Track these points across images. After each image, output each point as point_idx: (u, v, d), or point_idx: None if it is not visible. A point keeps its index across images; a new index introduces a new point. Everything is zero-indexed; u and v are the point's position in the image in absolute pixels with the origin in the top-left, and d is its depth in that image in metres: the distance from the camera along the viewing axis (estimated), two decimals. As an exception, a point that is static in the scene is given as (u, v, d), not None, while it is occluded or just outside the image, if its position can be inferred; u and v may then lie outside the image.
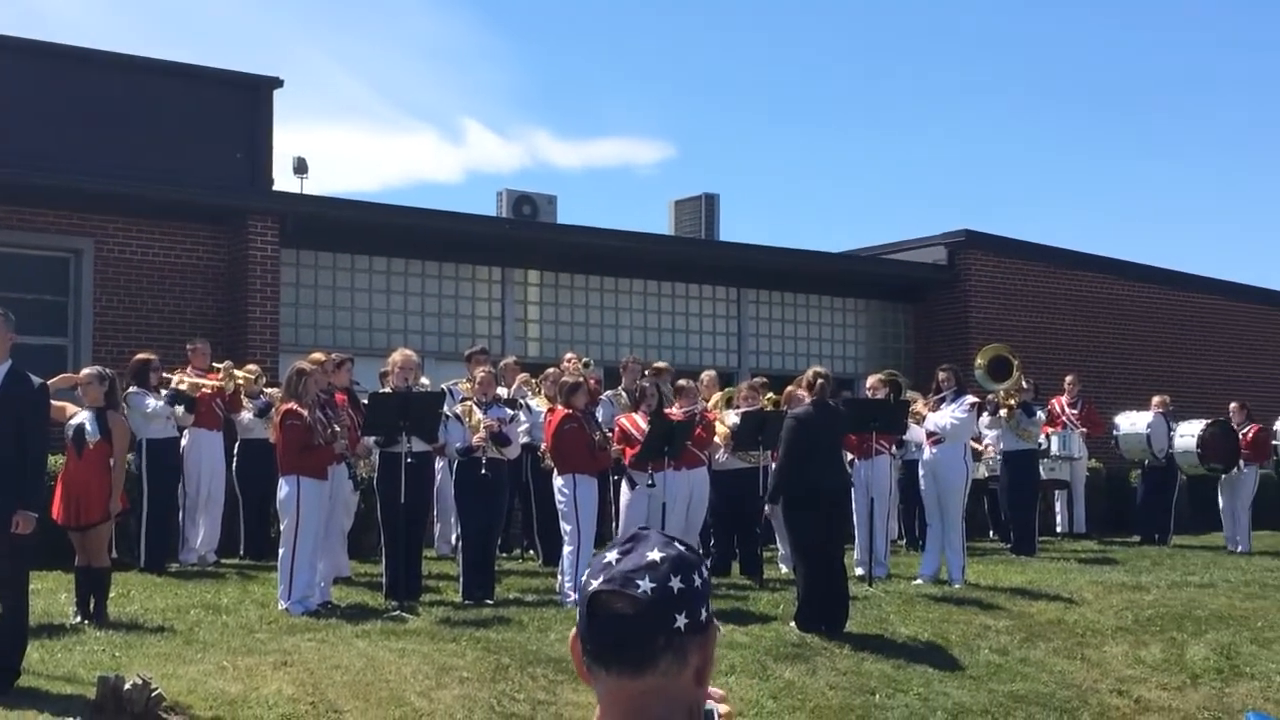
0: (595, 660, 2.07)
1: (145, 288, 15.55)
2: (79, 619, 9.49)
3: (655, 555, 2.06)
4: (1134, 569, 14.27)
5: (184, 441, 12.67)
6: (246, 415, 13.07)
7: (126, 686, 7.26)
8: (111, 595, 9.89)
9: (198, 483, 12.77)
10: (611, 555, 2.10)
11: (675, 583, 2.04)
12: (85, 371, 10.31)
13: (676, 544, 2.10)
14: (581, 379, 11.88)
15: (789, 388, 13.30)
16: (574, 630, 2.13)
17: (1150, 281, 23.15)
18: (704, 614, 2.07)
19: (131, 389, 11.97)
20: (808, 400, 10.96)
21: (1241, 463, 16.91)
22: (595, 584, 2.07)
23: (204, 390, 12.71)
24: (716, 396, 13.95)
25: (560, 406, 11.27)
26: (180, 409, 12.33)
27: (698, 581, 2.07)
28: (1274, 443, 16.87)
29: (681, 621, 2.04)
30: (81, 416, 9.78)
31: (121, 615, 9.73)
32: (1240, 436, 17.03)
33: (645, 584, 2.04)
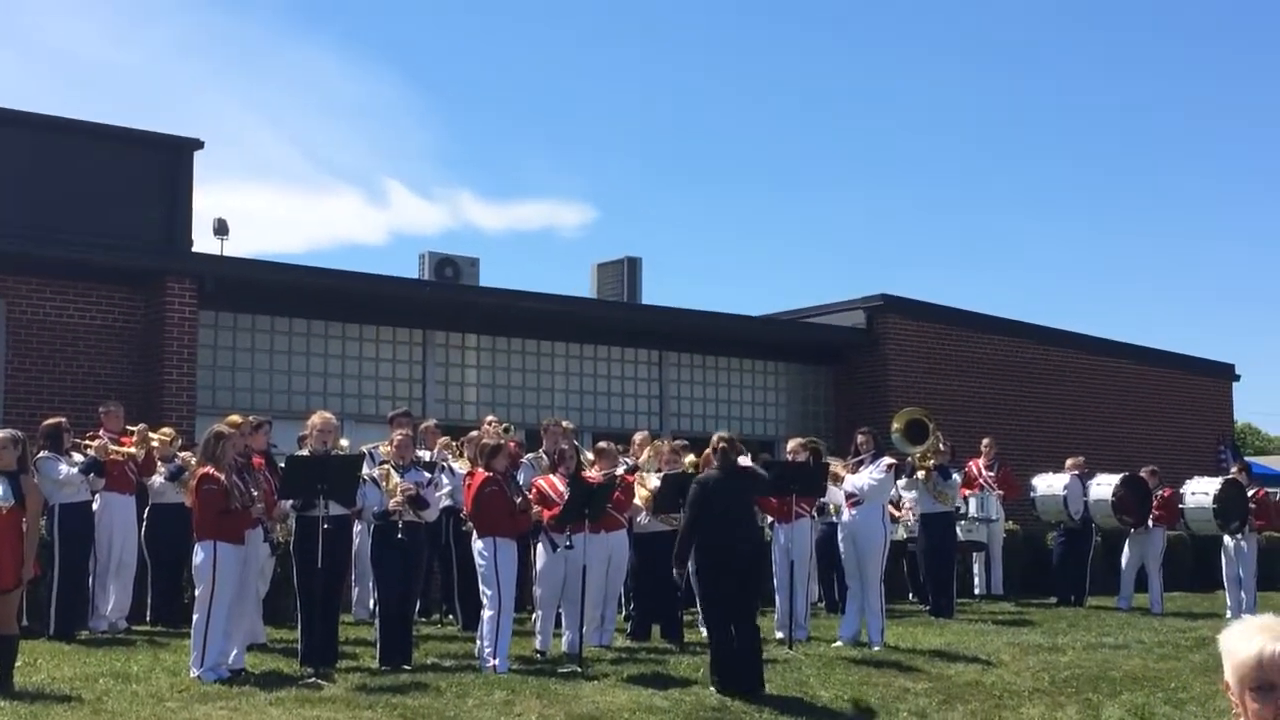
0: None
1: (59, 349, 15.35)
2: (-18, 689, 9.24)
3: None
4: (1050, 630, 14.42)
5: (95, 505, 12.44)
6: (158, 479, 12.87)
7: (31, 758, 7.09)
8: (17, 664, 9.65)
9: (109, 548, 12.53)
10: None
11: None
12: (-3, 434, 10.08)
13: None
14: (502, 441, 11.85)
15: (707, 450, 13.32)
16: None
17: (1064, 346, 23.58)
18: None
19: (43, 454, 11.75)
20: (712, 466, 11.04)
21: (1151, 521, 17.26)
22: None
23: (115, 455, 12.50)
24: (648, 451, 13.87)
25: (481, 469, 11.23)
26: (92, 474, 12.13)
27: None
28: (1180, 506, 17.20)
29: None
30: (-8, 481, 9.57)
31: (27, 685, 9.49)
32: (1154, 497, 17.37)
33: None
